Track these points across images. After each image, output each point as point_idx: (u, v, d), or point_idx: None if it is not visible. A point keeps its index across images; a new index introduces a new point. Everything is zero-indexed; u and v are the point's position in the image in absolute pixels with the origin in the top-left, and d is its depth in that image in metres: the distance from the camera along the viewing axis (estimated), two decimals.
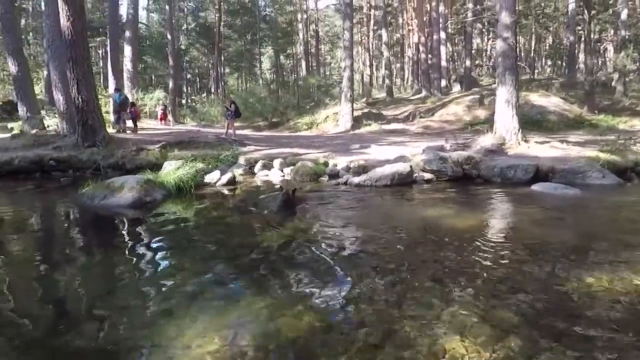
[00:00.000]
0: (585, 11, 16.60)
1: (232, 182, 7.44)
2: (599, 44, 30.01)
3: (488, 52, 36.73)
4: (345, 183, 7.42)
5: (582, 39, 19.83)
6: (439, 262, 3.55)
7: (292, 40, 36.68)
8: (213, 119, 20.83)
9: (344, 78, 17.15)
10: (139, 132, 12.72)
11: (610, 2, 22.38)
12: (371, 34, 34.81)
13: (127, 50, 18.96)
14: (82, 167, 8.59)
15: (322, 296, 2.88)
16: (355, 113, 17.26)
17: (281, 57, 37.14)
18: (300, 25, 35.50)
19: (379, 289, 3.01)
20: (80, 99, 9.11)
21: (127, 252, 3.93)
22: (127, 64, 18.78)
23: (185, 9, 36.94)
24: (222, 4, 29.94)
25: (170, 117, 18.38)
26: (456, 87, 24.96)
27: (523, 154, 8.25)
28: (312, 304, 2.75)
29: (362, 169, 7.73)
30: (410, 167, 7.52)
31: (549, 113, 14.60)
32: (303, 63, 36.31)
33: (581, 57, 21.08)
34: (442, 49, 25.21)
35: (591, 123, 14.07)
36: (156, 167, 7.59)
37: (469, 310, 2.60)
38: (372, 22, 33.99)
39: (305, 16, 35.71)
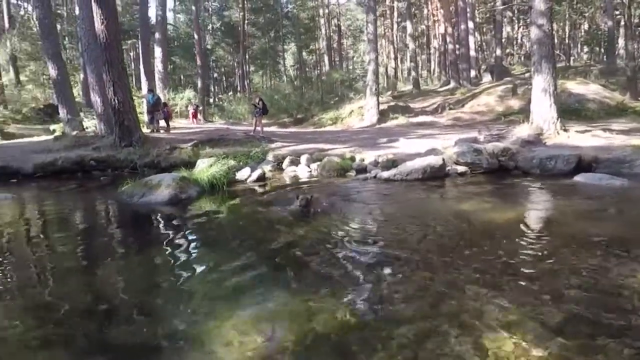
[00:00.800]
0: None
1: (262, 178, 7.55)
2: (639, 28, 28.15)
3: (519, 41, 35.28)
4: (374, 177, 7.33)
5: (622, 23, 18.59)
6: (478, 258, 3.42)
7: (315, 36, 36.61)
8: (240, 117, 21.17)
9: (369, 71, 16.92)
10: (171, 131, 13.10)
11: None
12: (395, 26, 34.18)
13: (157, 51, 19.51)
14: (120, 167, 8.95)
15: (357, 292, 2.85)
16: (381, 107, 17.00)
17: (304, 53, 37.18)
18: (322, 21, 35.39)
19: (416, 285, 2.93)
20: (116, 101, 9.47)
21: (166, 248, 4.03)
22: (158, 65, 19.32)
23: (210, 9, 37.61)
24: (245, 2, 30.25)
25: (199, 115, 18.85)
26: (486, 77, 24.12)
27: (563, 144, 7.86)
28: (347, 300, 2.72)
29: (391, 163, 7.61)
30: (443, 160, 7.33)
31: (588, 101, 13.83)
32: (326, 58, 36.21)
33: (621, 42, 19.76)
34: (471, 38, 24.41)
35: (635, 110, 13.22)
36: (189, 164, 7.80)
37: (513, 308, 2.49)
38: (395, 14, 33.38)
39: (327, 11, 35.53)
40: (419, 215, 4.92)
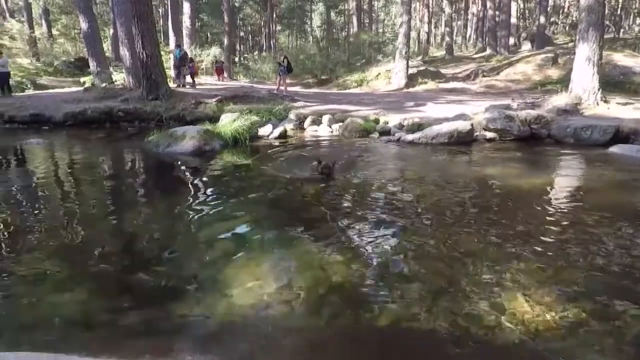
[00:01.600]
0: None
1: (283, 135, 7.55)
2: None
3: (566, 9, 32.52)
4: (398, 140, 7.18)
5: None
6: (500, 222, 3.36)
7: None
8: (265, 76, 20.90)
9: (400, 34, 16.16)
10: (196, 87, 13.15)
11: None
12: None
13: (186, 7, 19.23)
14: (147, 119, 9.14)
15: (374, 247, 2.85)
16: (410, 71, 16.33)
17: (332, 13, 35.67)
18: None
19: (434, 244, 2.90)
20: (144, 54, 9.51)
21: (188, 196, 4.12)
22: (186, 21, 19.12)
23: None
24: None
25: (225, 73, 18.69)
26: (526, 46, 22.64)
27: (601, 115, 7.41)
28: (363, 254, 2.73)
29: (417, 127, 7.41)
30: (471, 125, 7.06)
31: (634, 74, 12.86)
32: (354, 19, 34.63)
33: None
34: (513, 5, 22.76)
35: None
36: (213, 119, 7.87)
37: (533, 271, 2.45)
38: None
39: None
40: (442, 177, 4.82)
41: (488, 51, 22.40)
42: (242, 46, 39.61)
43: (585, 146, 6.37)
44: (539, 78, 14.39)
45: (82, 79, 15.16)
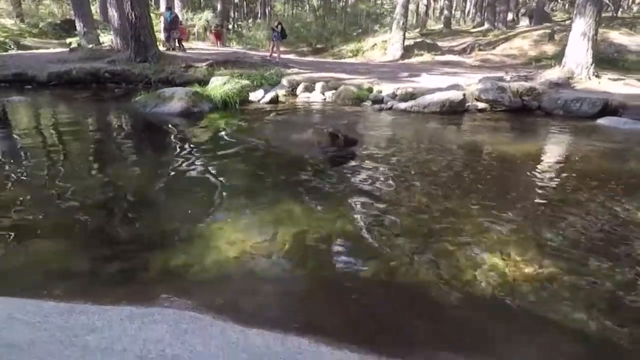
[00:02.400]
0: None
1: (274, 100, 7.47)
2: None
3: None
4: (390, 108, 7.18)
5: None
6: (486, 185, 3.42)
7: None
8: (258, 44, 20.34)
9: (398, 5, 15.76)
10: (187, 51, 12.79)
11: None
12: None
13: None
14: (135, 81, 8.92)
15: (360, 206, 2.88)
16: (407, 42, 16.04)
17: None
18: None
19: (420, 204, 2.95)
20: (133, 15, 9.20)
21: (174, 154, 4.10)
22: None
23: None
24: None
25: (214, 39, 18.00)
26: (524, 22, 22.34)
27: (592, 89, 7.45)
28: (349, 212, 2.76)
29: (410, 96, 7.39)
30: (464, 95, 7.06)
31: (628, 52, 12.84)
32: None
33: None
34: None
35: None
36: (203, 83, 7.71)
37: (514, 230, 2.52)
38: None
39: None
40: (432, 143, 4.87)
41: (486, 26, 22.02)
42: (236, 13, 38.29)
43: (574, 118, 6.43)
44: (534, 53, 14.26)
45: (68, 40, 14.61)
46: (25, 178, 3.27)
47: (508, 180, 3.58)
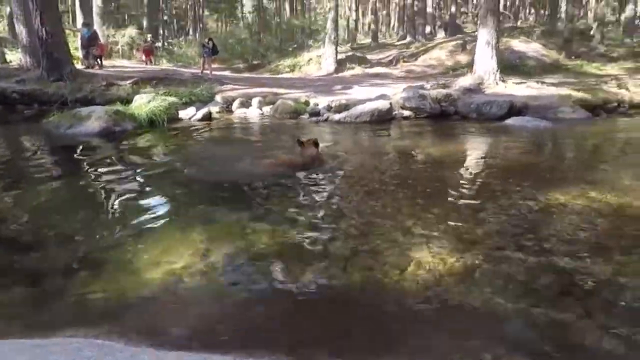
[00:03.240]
0: None
1: (207, 117, 7.31)
2: None
3: (474, 1, 35.44)
4: (326, 120, 7.40)
5: None
6: (413, 184, 3.63)
7: None
8: (190, 61, 19.75)
9: (329, 20, 16.40)
10: (110, 69, 12.06)
11: None
12: None
13: None
14: (48, 101, 8.19)
15: (295, 216, 2.88)
16: (340, 56, 16.72)
17: None
18: None
19: (353, 208, 3.04)
20: (44, 31, 8.54)
21: (93, 176, 3.83)
22: (97, 1, 17.34)
23: None
24: None
25: (143, 56, 17.12)
26: (441, 34, 24.31)
27: (499, 93, 8.29)
28: (285, 223, 2.74)
29: (344, 107, 7.66)
30: (390, 104, 7.50)
31: (528, 58, 14.62)
32: (287, 5, 34.27)
33: (563, 6, 20.61)
34: None
35: (567, 68, 14.21)
36: (127, 102, 7.28)
37: (438, 225, 2.67)
38: None
39: None
40: (363, 149, 5.10)
41: (408, 38, 23.70)
42: (166, 30, 37.00)
43: (486, 120, 7.09)
44: (450, 63, 15.61)
45: None
46: None
47: (432, 180, 3.82)
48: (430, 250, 2.35)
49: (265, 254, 2.34)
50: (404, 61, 16.68)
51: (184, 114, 7.38)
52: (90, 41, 11.73)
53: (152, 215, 2.90)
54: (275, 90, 9.76)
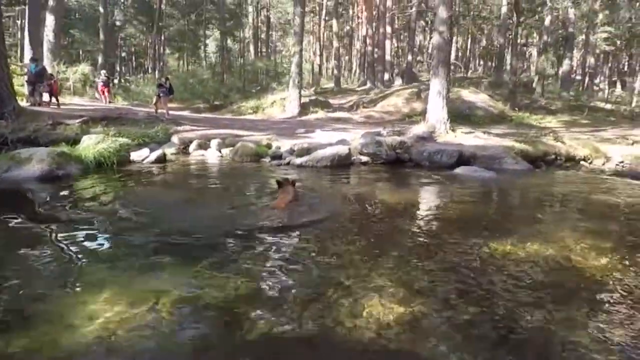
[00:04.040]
0: (515, 16, 17.95)
1: (161, 160, 7.07)
2: (524, 47, 32.80)
3: (429, 50, 38.52)
4: (288, 164, 7.44)
5: (511, 42, 21.56)
6: (368, 233, 3.70)
7: (241, 24, 35.40)
8: (147, 100, 19.45)
9: (293, 63, 16.98)
10: (61, 107, 11.55)
11: (538, 8, 24.49)
12: (322, 23, 34.71)
13: (50, 20, 17.02)
14: None
15: (249, 264, 2.84)
16: (303, 100, 17.21)
17: (228, 40, 35.69)
18: (250, 9, 34.40)
19: (308, 256, 3.05)
20: None
21: (29, 225, 3.59)
22: (49, 35, 16.86)
23: None
24: None
25: (97, 94, 16.54)
26: (398, 81, 25.91)
27: (450, 142, 8.80)
28: (238, 272, 2.70)
29: (306, 151, 7.75)
30: (349, 149, 7.70)
31: (477, 108, 15.81)
32: (252, 48, 35.33)
33: (508, 58, 22.96)
34: (387, 43, 25.94)
35: (512, 118, 15.51)
36: (75, 142, 6.94)
37: (389, 275, 2.73)
38: (324, 11, 33.92)
39: (256, 0, 34.63)
40: (322, 195, 5.12)
41: (368, 84, 25.02)
42: (123, 67, 36.58)
43: (437, 168, 7.41)
44: (406, 110, 16.56)
45: None
46: None
47: (386, 229, 3.90)
48: (381, 299, 2.39)
49: (213, 305, 2.28)
50: (364, 107, 17.49)
51: (136, 155, 7.10)
52: (37, 77, 11.24)
53: (92, 266, 2.75)
54: (236, 131, 9.75)
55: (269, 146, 8.41)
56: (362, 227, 3.88)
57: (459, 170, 7.10)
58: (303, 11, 17.57)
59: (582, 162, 8.54)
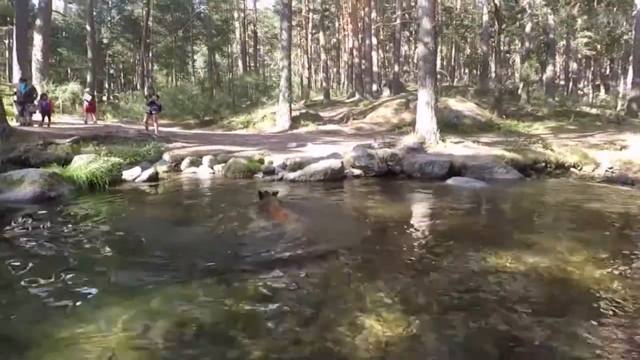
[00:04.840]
0: (496, 23, 18.42)
1: (153, 178, 7.03)
2: (508, 54, 33.60)
3: (415, 60, 39.23)
4: (281, 179, 7.43)
5: (494, 49, 22.07)
6: (363, 248, 3.70)
7: (228, 39, 35.73)
8: (137, 117, 19.39)
9: (282, 78, 17.13)
10: (50, 125, 11.45)
11: (518, 15, 25.18)
12: (309, 36, 35.21)
13: (37, 39, 17.01)
14: None
15: (246, 285, 2.82)
16: (294, 113, 17.32)
17: (217, 55, 35.93)
18: (237, 24, 34.76)
19: (305, 275, 3.03)
20: None
21: (20, 248, 3.51)
22: (37, 54, 16.83)
23: (110, 1, 34.14)
24: None
25: (85, 112, 16.32)
26: (386, 92, 26.19)
27: (440, 152, 8.90)
28: (234, 294, 2.67)
29: (298, 166, 7.76)
30: (342, 163, 7.74)
31: (464, 117, 16.04)
32: (240, 62, 35.58)
33: (493, 66, 23.44)
34: (374, 54, 26.40)
35: (499, 126, 15.73)
36: (66, 162, 6.88)
37: (386, 291, 2.72)
38: (310, 25, 34.45)
39: (242, 15, 35.04)
40: (316, 210, 5.13)
41: (357, 96, 25.30)
42: (112, 84, 36.45)
43: (429, 179, 7.46)
44: (396, 121, 16.75)
45: None
46: None
47: (381, 242, 3.92)
48: (379, 317, 2.38)
49: (210, 327, 2.26)
50: (354, 119, 17.66)
51: (128, 174, 7.05)
52: (26, 97, 11.17)
53: (85, 289, 2.73)
54: (227, 147, 9.75)
55: (261, 161, 8.40)
56: (357, 243, 3.88)
57: (450, 181, 7.16)
58: (290, 25, 17.83)
59: (572, 169, 8.60)
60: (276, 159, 8.38)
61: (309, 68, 37.25)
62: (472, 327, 2.30)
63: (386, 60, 39.06)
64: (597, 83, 34.66)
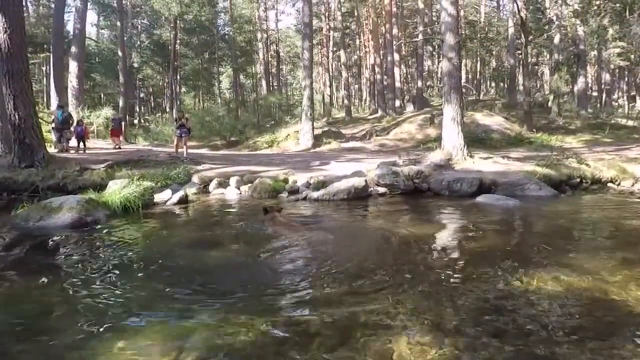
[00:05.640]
0: (523, 36, 18.10)
1: (184, 200, 7.20)
2: (536, 67, 32.86)
3: (439, 75, 39.01)
4: (305, 198, 7.46)
5: (521, 62, 21.61)
6: (392, 269, 3.63)
7: (252, 60, 36.85)
8: (167, 139, 20.12)
9: (304, 97, 17.44)
10: (86, 151, 12.06)
11: (545, 27, 24.65)
12: (330, 54, 35.83)
13: (73, 66, 18.12)
14: (19, 190, 7.95)
15: (276, 308, 2.84)
16: (316, 131, 17.52)
17: (241, 76, 37.07)
18: (260, 45, 35.85)
19: (334, 297, 3.01)
20: (17, 116, 8.57)
21: (63, 273, 3.67)
22: (73, 81, 17.89)
23: (139, 26, 36.10)
24: (178, 22, 29.61)
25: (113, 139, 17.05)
26: (409, 107, 26.13)
27: (468, 169, 8.69)
28: (265, 317, 2.68)
29: (322, 185, 7.80)
30: (365, 181, 7.69)
31: (492, 131, 15.67)
32: (264, 82, 36.52)
33: (520, 79, 22.94)
34: (396, 70, 26.47)
35: (530, 141, 15.25)
36: (101, 187, 7.20)
37: (417, 314, 2.67)
38: (331, 43, 35.09)
39: (265, 36, 36.14)
40: (342, 231, 5.10)
41: (379, 112, 25.33)
42: (142, 107, 38.14)
43: (457, 197, 7.30)
44: (420, 137, 16.59)
45: None
46: None
47: (411, 263, 3.83)
48: (410, 340, 2.33)
49: (242, 352, 2.28)
50: (377, 135, 17.65)
51: (159, 197, 7.27)
52: (63, 124, 11.82)
53: (124, 314, 2.80)
54: (253, 167, 9.92)
55: (285, 181, 8.50)
56: (385, 263, 3.83)
57: (480, 198, 6.97)
58: (311, 44, 18.20)
59: (609, 184, 8.29)
60: (300, 178, 8.45)
61: (331, 85, 37.73)
62: (508, 351, 2.21)
63: (409, 76, 39.06)
64: (632, 94, 33.18)
